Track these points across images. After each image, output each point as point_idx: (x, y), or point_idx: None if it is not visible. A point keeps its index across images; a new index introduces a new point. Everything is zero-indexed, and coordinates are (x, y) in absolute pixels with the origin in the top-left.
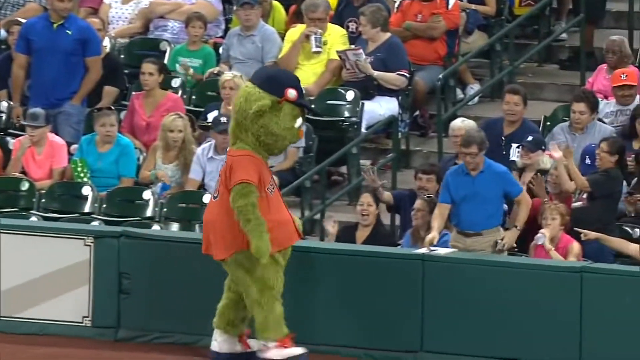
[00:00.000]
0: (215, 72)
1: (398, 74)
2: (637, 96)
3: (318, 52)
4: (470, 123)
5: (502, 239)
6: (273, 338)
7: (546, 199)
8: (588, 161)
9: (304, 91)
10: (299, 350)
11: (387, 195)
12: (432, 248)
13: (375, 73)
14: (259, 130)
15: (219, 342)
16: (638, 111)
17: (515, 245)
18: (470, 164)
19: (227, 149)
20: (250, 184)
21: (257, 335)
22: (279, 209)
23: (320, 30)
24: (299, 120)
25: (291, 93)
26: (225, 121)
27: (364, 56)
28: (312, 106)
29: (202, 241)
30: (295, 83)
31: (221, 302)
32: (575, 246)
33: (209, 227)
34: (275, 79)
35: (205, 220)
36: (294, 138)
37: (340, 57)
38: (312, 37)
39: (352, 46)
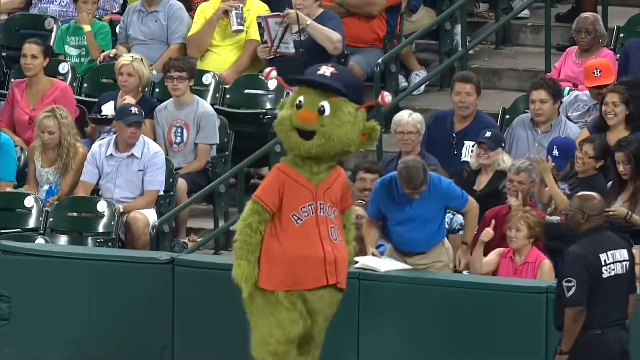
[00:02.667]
0: (112, 55)
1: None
2: None
3: (239, 31)
4: (418, 117)
5: (459, 263)
6: None
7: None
8: (556, 152)
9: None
10: None
11: None
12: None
13: (309, 21)
14: None
15: None
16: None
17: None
18: (413, 197)
19: None
20: (258, 203)
21: None
22: (302, 242)
23: (240, 4)
24: (297, 99)
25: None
26: (137, 112)
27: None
28: (228, 96)
29: (98, 257)
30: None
31: None
32: (546, 263)
33: None
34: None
35: None
36: (286, 121)
37: (259, 24)
38: (232, 13)
39: (275, 17)
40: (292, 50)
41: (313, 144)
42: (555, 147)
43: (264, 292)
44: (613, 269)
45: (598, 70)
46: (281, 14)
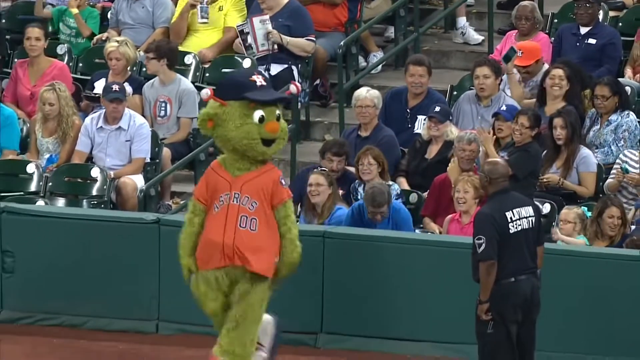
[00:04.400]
0: (104, 38)
1: (307, 39)
2: (545, 65)
3: (204, 24)
4: (375, 93)
5: None
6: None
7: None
8: (504, 108)
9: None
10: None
11: None
12: None
13: (288, 39)
14: (217, 142)
15: None
16: (547, 76)
17: None
18: (378, 219)
19: None
20: (193, 200)
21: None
22: (213, 227)
23: None
24: (256, 114)
25: (203, 93)
26: (118, 89)
27: (270, 25)
28: (207, 75)
29: (92, 217)
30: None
31: None
32: None
33: None
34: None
35: None
36: (255, 135)
37: (241, 30)
38: (198, 7)
39: (260, 16)
40: (269, 48)
41: (275, 149)
42: (505, 105)
43: (200, 271)
44: (520, 225)
45: (520, 52)
46: (263, 13)
